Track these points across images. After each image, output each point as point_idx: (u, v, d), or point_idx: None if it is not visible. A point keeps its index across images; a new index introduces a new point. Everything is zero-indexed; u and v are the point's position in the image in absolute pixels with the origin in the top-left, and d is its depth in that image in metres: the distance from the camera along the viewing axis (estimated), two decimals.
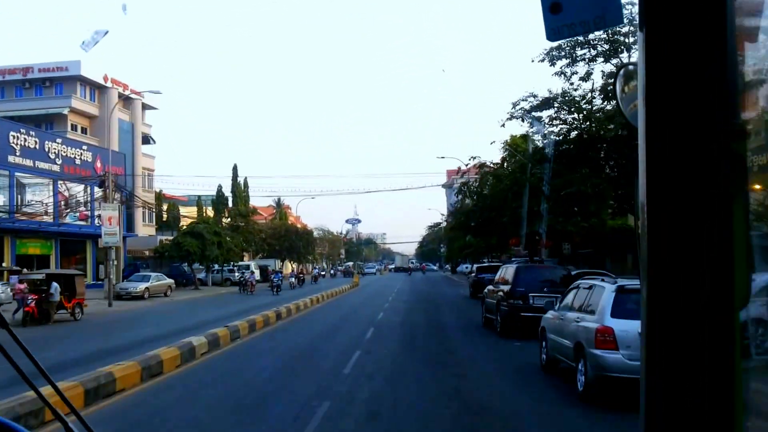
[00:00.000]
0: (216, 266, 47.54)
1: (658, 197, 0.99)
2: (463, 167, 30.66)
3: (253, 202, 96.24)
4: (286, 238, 68.15)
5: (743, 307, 0.96)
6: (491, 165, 30.84)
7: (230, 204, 65.58)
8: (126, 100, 56.97)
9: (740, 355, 0.95)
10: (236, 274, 49.62)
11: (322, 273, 74.97)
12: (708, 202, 0.95)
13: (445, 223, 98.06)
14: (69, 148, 40.28)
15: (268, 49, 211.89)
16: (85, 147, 42.09)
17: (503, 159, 30.76)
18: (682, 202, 0.97)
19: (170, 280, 34.51)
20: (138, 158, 56.85)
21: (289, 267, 78.08)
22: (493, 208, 30.09)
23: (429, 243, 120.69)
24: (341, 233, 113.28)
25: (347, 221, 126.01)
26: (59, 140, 39.77)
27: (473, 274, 32.76)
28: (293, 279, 46.92)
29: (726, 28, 0.96)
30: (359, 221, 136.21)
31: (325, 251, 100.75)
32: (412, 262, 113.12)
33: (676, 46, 0.97)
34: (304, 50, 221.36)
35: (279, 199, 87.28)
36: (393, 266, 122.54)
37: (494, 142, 35.44)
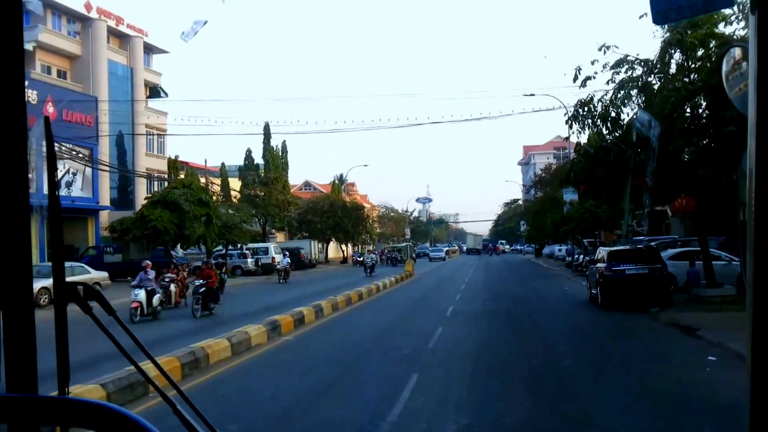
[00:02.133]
0: (220, 249, 35.10)
1: None
2: (590, 69, 16.36)
3: (308, 177, 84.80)
4: (331, 215, 55.22)
5: None
6: (638, 62, 16.36)
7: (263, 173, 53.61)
8: (122, 38, 45.29)
9: None
10: (249, 259, 37.36)
11: (359, 258, 56.21)
12: None
13: (522, 201, 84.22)
14: None
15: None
16: (26, 82, 30.09)
17: (665, 49, 16.22)
18: None
19: (100, 274, 21.92)
20: (138, 112, 45.12)
21: (334, 249, 65.38)
22: (643, 143, 15.78)
23: (505, 222, 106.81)
24: (406, 211, 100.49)
25: (417, 200, 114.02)
26: None
27: (602, 264, 18.06)
28: (159, 293, 17.09)
29: None
30: (430, 200, 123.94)
31: (388, 231, 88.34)
32: (492, 243, 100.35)
33: None
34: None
35: (342, 175, 74.28)
36: (465, 247, 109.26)
37: (645, 15, 18.71)
